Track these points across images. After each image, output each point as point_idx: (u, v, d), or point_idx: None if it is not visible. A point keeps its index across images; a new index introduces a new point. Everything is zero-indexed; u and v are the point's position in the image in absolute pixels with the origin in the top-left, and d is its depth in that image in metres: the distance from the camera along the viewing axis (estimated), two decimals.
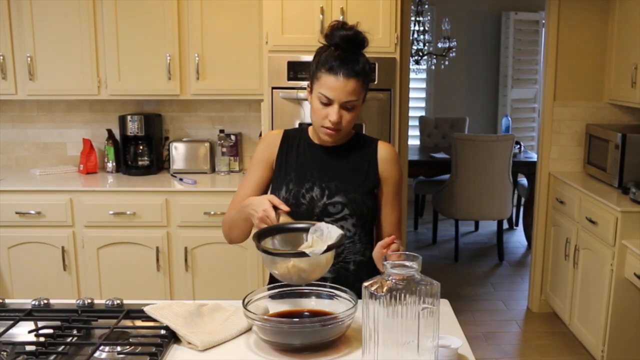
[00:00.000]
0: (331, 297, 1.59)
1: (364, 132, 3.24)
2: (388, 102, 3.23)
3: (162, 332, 1.53)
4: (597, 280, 3.28)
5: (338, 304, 1.55)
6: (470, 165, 4.92)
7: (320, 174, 1.79)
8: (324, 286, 1.61)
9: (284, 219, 1.61)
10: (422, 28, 5.96)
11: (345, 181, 1.78)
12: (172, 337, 1.51)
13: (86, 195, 3.37)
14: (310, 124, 1.84)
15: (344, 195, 1.76)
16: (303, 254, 1.46)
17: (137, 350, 1.46)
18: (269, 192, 1.86)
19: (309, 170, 1.80)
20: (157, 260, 3.39)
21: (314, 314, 1.55)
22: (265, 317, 1.46)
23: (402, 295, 1.26)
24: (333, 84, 1.66)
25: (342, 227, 1.76)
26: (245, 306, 1.48)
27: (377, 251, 1.65)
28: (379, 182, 1.82)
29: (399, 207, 1.86)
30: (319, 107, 1.71)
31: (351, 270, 1.79)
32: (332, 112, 1.68)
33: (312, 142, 1.84)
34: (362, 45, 1.73)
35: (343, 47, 1.69)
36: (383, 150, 1.83)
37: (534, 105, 6.89)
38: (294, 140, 1.85)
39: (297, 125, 3.12)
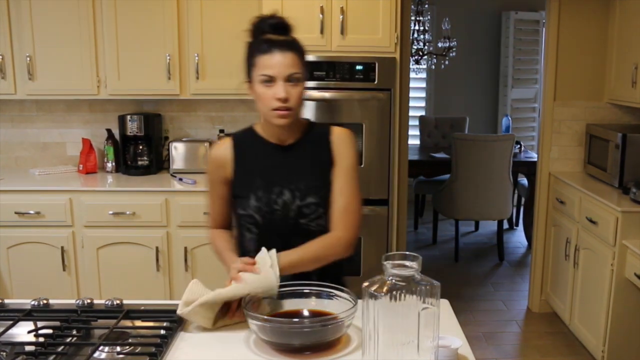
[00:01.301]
0: (331, 297, 1.58)
1: (364, 132, 3.25)
2: (388, 102, 3.23)
3: (162, 332, 1.53)
4: (597, 280, 3.28)
5: (338, 304, 1.55)
6: (470, 165, 4.92)
7: (286, 175, 1.74)
8: (324, 286, 1.60)
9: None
10: (422, 28, 5.96)
11: (313, 179, 1.74)
12: (173, 336, 1.51)
13: (86, 195, 3.37)
14: (253, 124, 1.82)
15: (315, 194, 1.72)
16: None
17: (136, 351, 1.46)
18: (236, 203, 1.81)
19: (274, 174, 1.75)
20: (157, 260, 3.39)
21: (314, 314, 1.55)
22: (265, 317, 1.45)
23: (402, 295, 1.26)
24: (270, 62, 1.64)
25: (318, 225, 1.74)
26: (244, 306, 1.48)
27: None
28: (333, 162, 1.76)
29: (348, 192, 1.74)
30: (264, 91, 1.67)
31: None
32: (278, 89, 1.64)
33: (267, 141, 1.77)
34: (288, 30, 1.71)
35: (272, 34, 1.69)
36: (336, 133, 1.79)
37: (534, 105, 6.89)
38: (246, 142, 1.80)
39: None
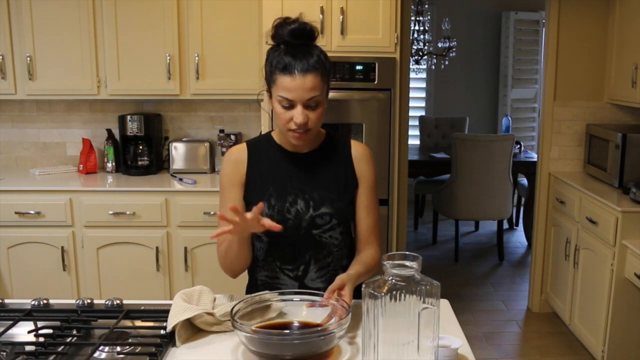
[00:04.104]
0: (324, 305, 1.52)
1: (364, 132, 3.25)
2: (388, 102, 3.23)
3: (162, 332, 1.53)
4: (597, 280, 3.28)
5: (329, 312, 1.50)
6: (470, 165, 4.92)
7: (301, 184, 1.70)
8: (316, 295, 1.56)
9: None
10: (422, 28, 5.96)
11: (329, 190, 1.70)
12: (172, 339, 1.51)
13: (86, 195, 3.37)
14: (271, 131, 1.78)
15: (330, 205, 1.69)
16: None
17: (136, 351, 1.46)
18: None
19: (288, 182, 1.70)
20: (157, 260, 3.39)
21: (305, 324, 1.51)
22: (254, 328, 1.40)
23: (402, 295, 1.26)
24: (290, 84, 1.56)
25: (330, 237, 1.72)
26: (233, 316, 1.43)
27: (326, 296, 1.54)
28: (357, 182, 1.75)
29: (375, 209, 1.77)
30: (282, 111, 1.60)
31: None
32: (297, 114, 1.57)
33: (283, 148, 1.73)
34: (311, 36, 1.62)
35: (292, 42, 1.60)
36: (356, 150, 1.76)
37: (534, 105, 6.89)
38: (261, 149, 1.75)
39: None
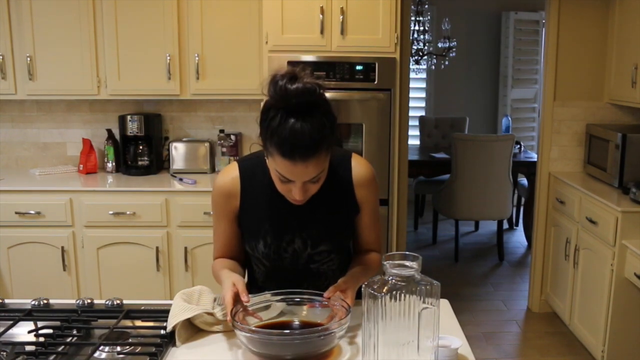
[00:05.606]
0: (324, 305, 1.53)
1: (364, 132, 3.25)
2: (388, 102, 3.23)
3: (162, 332, 1.53)
4: (597, 280, 3.28)
5: (330, 313, 1.50)
6: (470, 165, 4.92)
7: (298, 221, 1.62)
8: (316, 294, 1.56)
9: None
10: (422, 28, 5.96)
11: (328, 224, 1.64)
12: (172, 339, 1.51)
13: (86, 195, 3.37)
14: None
15: (329, 241, 1.64)
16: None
17: (136, 350, 1.46)
18: (245, 244, 1.69)
19: (285, 220, 1.62)
20: (157, 260, 3.39)
21: (305, 324, 1.50)
22: (254, 328, 1.40)
23: (402, 295, 1.26)
24: (290, 169, 1.43)
25: (328, 268, 1.69)
26: (233, 317, 1.43)
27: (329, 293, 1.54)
28: (359, 208, 1.67)
29: (376, 226, 1.72)
30: (279, 182, 1.50)
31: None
32: (296, 191, 1.48)
33: None
34: (314, 102, 1.43)
35: (291, 103, 1.40)
36: (357, 173, 1.64)
37: (534, 105, 6.89)
38: (256, 179, 1.62)
39: None
